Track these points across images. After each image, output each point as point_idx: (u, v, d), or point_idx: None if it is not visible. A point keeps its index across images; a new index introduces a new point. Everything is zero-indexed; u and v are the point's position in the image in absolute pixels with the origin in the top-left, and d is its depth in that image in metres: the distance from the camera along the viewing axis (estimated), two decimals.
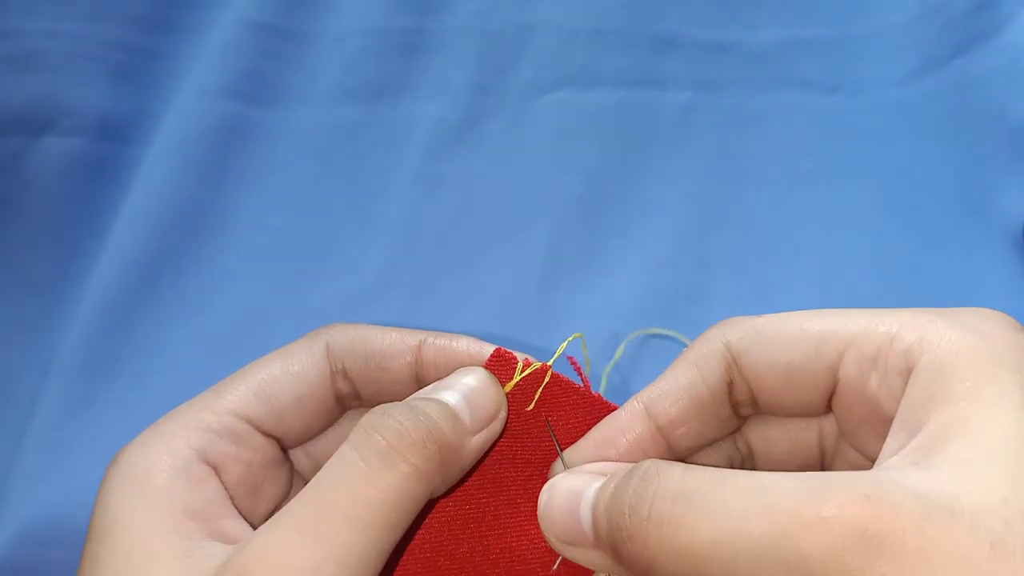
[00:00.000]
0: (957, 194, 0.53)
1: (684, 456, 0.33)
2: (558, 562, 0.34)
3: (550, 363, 0.34)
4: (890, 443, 0.28)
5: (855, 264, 0.52)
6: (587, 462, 0.33)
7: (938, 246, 0.52)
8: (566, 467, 0.33)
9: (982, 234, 0.52)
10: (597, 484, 0.30)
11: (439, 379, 0.34)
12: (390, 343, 0.35)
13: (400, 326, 0.35)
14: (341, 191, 0.55)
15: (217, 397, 0.33)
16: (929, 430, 0.26)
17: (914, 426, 0.27)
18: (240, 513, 0.32)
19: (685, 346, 0.48)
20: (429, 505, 0.32)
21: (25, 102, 0.55)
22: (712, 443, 0.34)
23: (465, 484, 0.34)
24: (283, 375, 0.34)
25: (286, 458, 0.35)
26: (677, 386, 0.33)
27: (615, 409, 0.34)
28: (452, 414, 0.31)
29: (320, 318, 0.46)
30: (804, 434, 0.34)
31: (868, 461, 0.32)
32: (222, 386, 0.34)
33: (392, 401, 0.35)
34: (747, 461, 0.35)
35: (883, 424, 0.29)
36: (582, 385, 0.35)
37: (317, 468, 0.36)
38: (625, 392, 0.34)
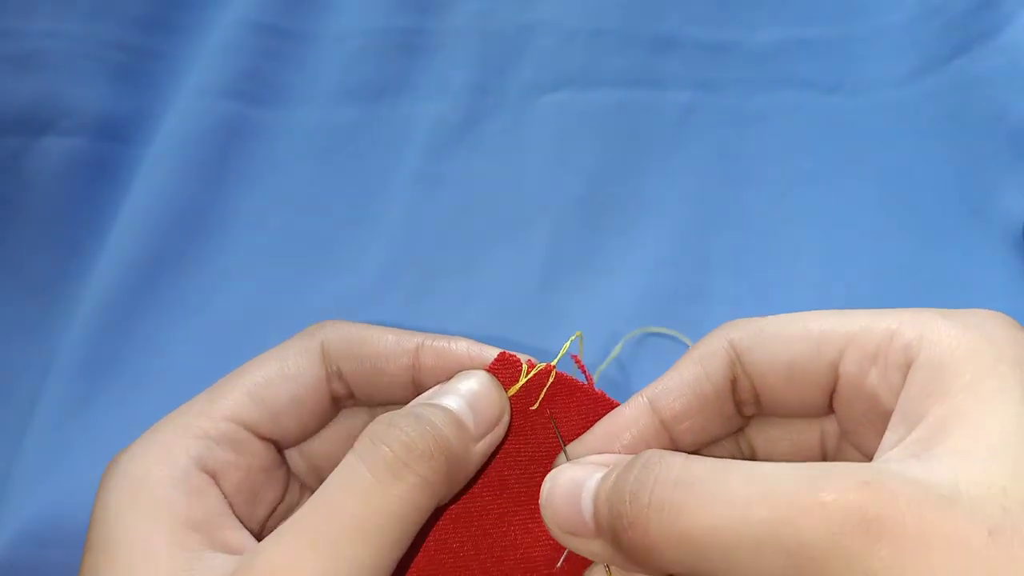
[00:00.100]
0: (957, 194, 0.53)
1: (687, 452, 0.33)
2: (562, 559, 0.34)
3: (554, 363, 0.34)
4: (889, 436, 0.28)
5: (855, 264, 0.52)
6: (591, 455, 0.33)
7: (938, 246, 0.52)
8: (569, 461, 0.34)
9: (982, 234, 0.52)
10: (599, 474, 0.30)
11: (437, 382, 0.34)
12: (386, 345, 0.34)
13: (400, 326, 0.35)
14: (341, 191, 0.55)
15: (212, 402, 0.33)
16: (928, 423, 0.26)
17: (913, 419, 0.27)
18: (239, 519, 0.32)
19: (685, 345, 0.48)
20: (435, 510, 0.32)
21: (25, 102, 0.55)
22: (715, 441, 0.34)
23: (469, 482, 0.34)
24: (278, 377, 0.34)
25: (282, 460, 0.35)
26: (681, 382, 0.33)
27: (618, 406, 0.34)
28: (457, 421, 0.31)
29: (320, 318, 0.46)
30: (806, 435, 0.34)
31: (869, 461, 0.32)
32: (216, 390, 0.33)
33: (388, 402, 0.35)
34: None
35: (883, 421, 0.29)
36: (586, 383, 0.35)
37: (313, 468, 0.36)
38: (626, 390, 0.34)
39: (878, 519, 0.24)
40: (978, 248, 0.52)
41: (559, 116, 0.56)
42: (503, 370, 0.34)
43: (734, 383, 0.33)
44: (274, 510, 0.35)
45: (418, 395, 0.34)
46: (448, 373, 0.34)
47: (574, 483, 0.30)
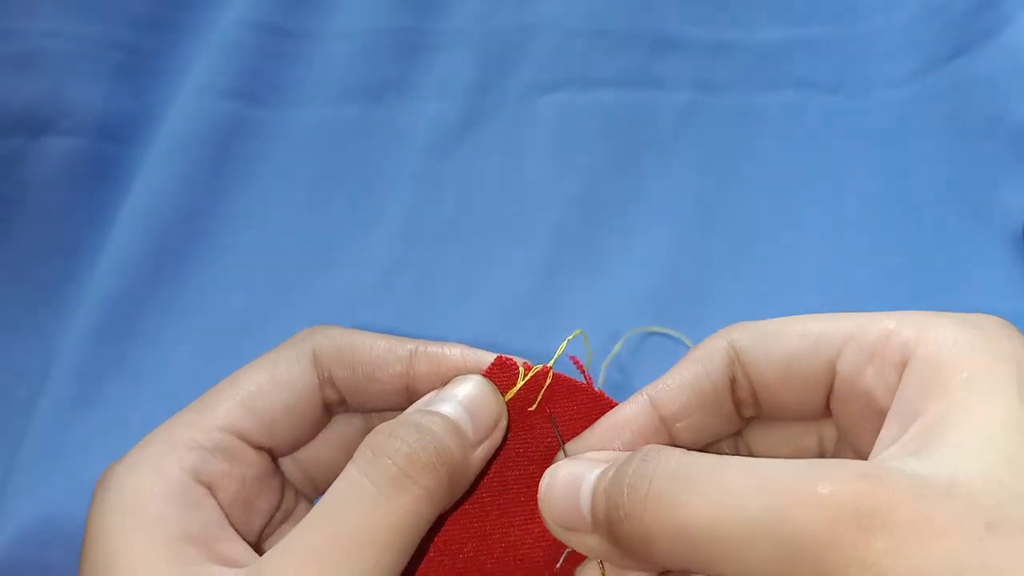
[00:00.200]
0: (957, 194, 0.53)
1: None
2: (562, 559, 0.34)
3: (550, 364, 0.34)
4: (885, 432, 0.28)
5: (855, 264, 0.52)
6: (591, 452, 0.33)
7: (938, 246, 0.52)
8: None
9: (982, 234, 0.52)
10: (599, 469, 0.30)
11: (432, 388, 0.33)
12: (379, 352, 0.34)
13: (400, 325, 0.35)
14: (341, 191, 0.55)
15: (203, 412, 0.32)
16: (925, 418, 0.26)
17: (910, 415, 0.27)
18: (236, 530, 0.31)
19: (684, 344, 0.48)
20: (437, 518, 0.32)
21: (25, 102, 0.55)
22: (714, 441, 0.34)
23: (470, 487, 0.34)
24: (270, 385, 0.33)
25: (277, 468, 0.35)
26: (681, 380, 0.33)
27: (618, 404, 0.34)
28: (456, 428, 0.31)
29: (320, 318, 0.46)
30: (804, 440, 0.34)
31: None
32: (207, 400, 0.33)
33: (381, 409, 0.35)
34: None
35: (879, 420, 0.29)
36: (584, 382, 0.35)
37: (308, 475, 0.36)
38: (626, 390, 0.34)
39: (875, 511, 0.24)
40: (978, 248, 0.52)
41: (559, 116, 0.56)
42: (500, 374, 0.34)
43: (733, 382, 0.33)
44: (270, 519, 0.34)
45: (411, 402, 0.33)
46: (443, 379, 0.34)
47: (573, 477, 0.30)
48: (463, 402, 0.32)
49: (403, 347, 0.34)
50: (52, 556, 0.44)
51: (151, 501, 0.30)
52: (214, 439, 0.32)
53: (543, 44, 0.58)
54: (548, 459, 0.35)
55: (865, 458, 0.32)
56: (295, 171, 0.55)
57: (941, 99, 0.55)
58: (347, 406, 0.35)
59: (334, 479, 0.29)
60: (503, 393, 0.34)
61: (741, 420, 0.34)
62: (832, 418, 0.33)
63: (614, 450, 0.33)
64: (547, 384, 0.34)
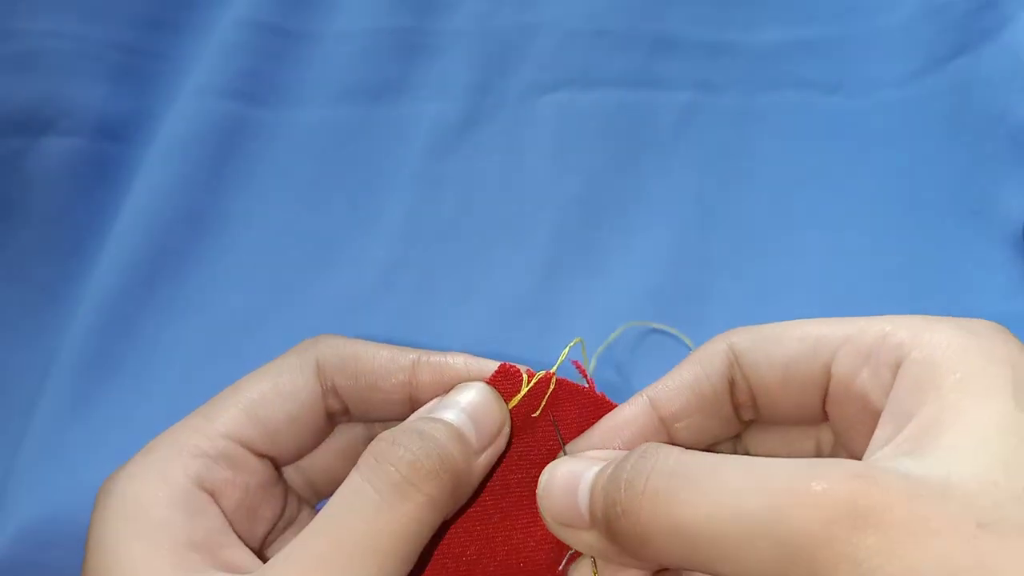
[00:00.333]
0: (957, 194, 0.53)
1: None
2: (564, 561, 0.34)
3: (553, 370, 0.34)
4: (879, 433, 0.28)
5: (855, 264, 0.52)
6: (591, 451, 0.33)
7: (938, 246, 0.52)
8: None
9: (982, 234, 0.52)
10: (597, 467, 0.30)
11: (435, 398, 0.33)
12: (382, 362, 0.34)
13: (400, 326, 0.35)
14: (341, 191, 0.55)
15: (207, 420, 0.32)
16: (919, 420, 0.27)
17: (903, 416, 0.27)
18: (240, 537, 0.32)
19: (682, 342, 0.48)
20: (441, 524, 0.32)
21: (25, 102, 0.55)
22: (713, 443, 0.34)
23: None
24: (273, 395, 0.33)
25: (280, 476, 0.35)
26: (681, 381, 0.33)
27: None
28: (459, 435, 0.31)
29: (321, 318, 0.46)
30: (802, 445, 0.35)
31: None
32: (210, 408, 0.33)
33: (384, 418, 0.35)
34: None
35: (874, 422, 0.29)
36: (587, 387, 0.35)
37: (311, 484, 0.36)
38: (625, 392, 0.34)
39: (869, 510, 0.24)
40: (978, 248, 0.52)
41: (559, 116, 0.56)
42: (504, 381, 0.34)
43: (732, 384, 0.33)
44: (273, 527, 0.35)
45: (414, 411, 0.33)
46: (446, 389, 0.34)
47: (571, 474, 0.31)
48: (466, 409, 0.32)
49: (406, 356, 0.34)
50: (52, 556, 0.44)
51: (155, 507, 0.30)
52: (218, 446, 0.32)
53: (543, 44, 0.58)
54: (550, 460, 0.35)
55: (860, 460, 0.32)
56: (295, 171, 0.55)
57: (941, 99, 0.55)
58: (350, 415, 0.35)
59: (337, 487, 0.29)
60: (507, 400, 0.34)
61: (740, 423, 0.34)
62: (828, 422, 0.33)
63: (614, 449, 0.33)
64: (550, 391, 0.34)
